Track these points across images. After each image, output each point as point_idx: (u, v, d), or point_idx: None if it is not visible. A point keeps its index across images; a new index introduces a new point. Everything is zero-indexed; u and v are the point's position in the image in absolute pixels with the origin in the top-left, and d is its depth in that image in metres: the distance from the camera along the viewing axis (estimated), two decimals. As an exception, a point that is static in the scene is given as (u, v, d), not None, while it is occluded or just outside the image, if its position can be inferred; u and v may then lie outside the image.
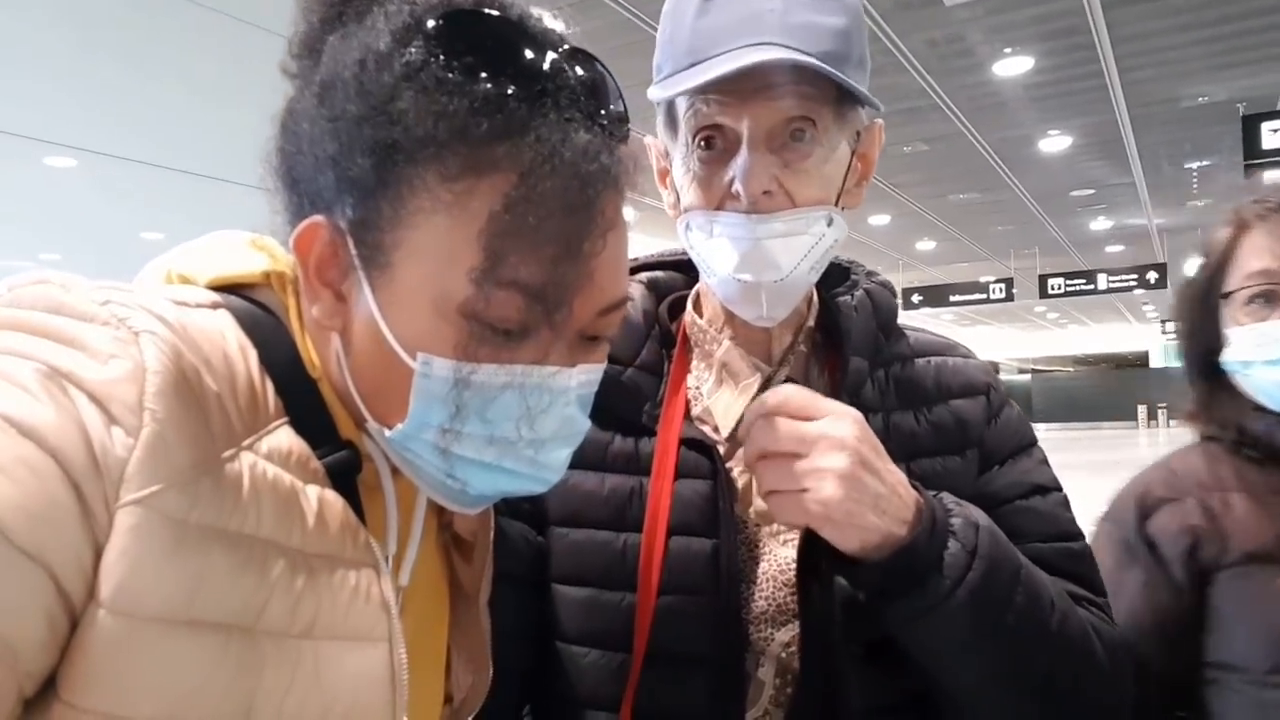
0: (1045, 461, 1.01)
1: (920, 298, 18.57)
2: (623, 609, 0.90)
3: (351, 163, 0.64)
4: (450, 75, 0.63)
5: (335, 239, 0.66)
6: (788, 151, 0.86)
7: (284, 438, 0.64)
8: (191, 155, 5.21)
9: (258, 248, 0.76)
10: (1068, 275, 16.84)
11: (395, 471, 0.73)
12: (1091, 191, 12.97)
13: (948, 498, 0.85)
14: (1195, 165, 11.64)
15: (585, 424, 0.72)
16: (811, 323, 0.99)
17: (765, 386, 0.95)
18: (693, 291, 1.04)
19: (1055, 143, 10.31)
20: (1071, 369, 44.25)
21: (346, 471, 0.68)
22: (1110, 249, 17.73)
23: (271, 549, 0.60)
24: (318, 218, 0.66)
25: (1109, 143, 10.37)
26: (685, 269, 1.06)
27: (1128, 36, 7.33)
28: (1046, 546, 0.94)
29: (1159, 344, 35.09)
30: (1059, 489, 0.99)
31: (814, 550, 0.85)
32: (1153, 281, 15.98)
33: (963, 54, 7.32)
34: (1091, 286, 16.46)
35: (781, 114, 0.85)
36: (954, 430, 0.96)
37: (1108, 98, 8.80)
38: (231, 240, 0.77)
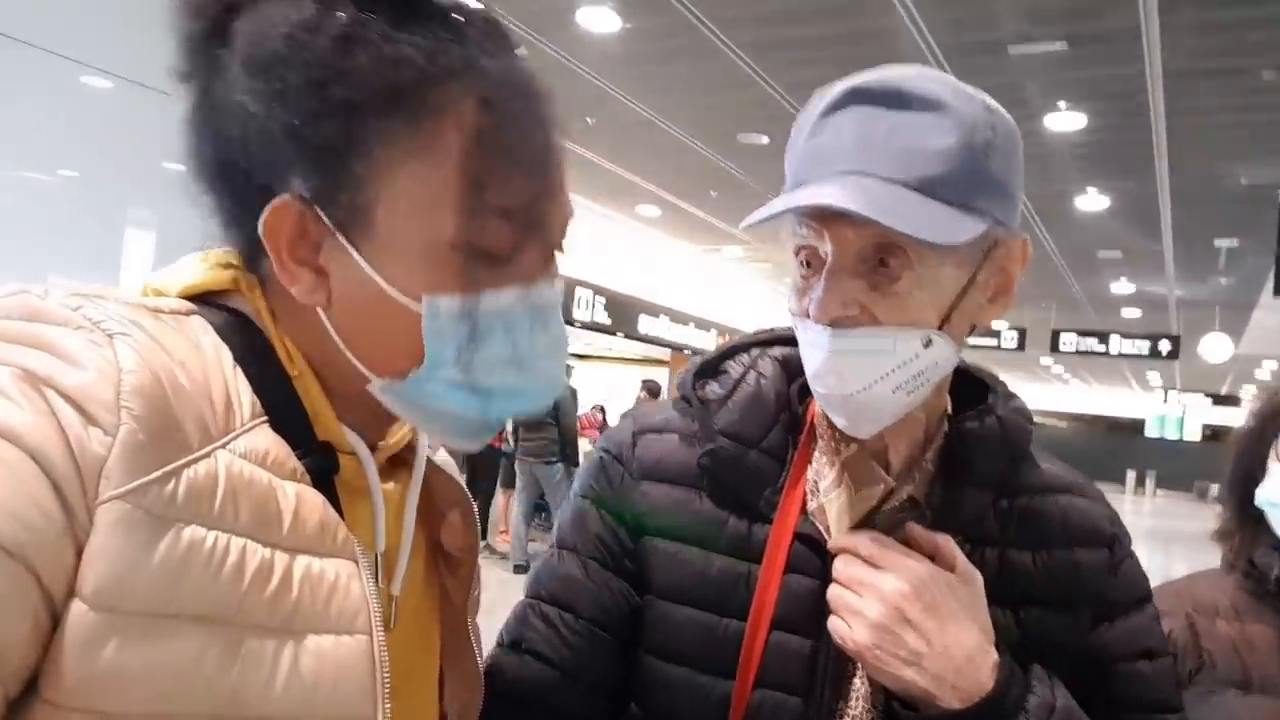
0: (1158, 618, 0.98)
1: (931, 335, 18.45)
2: (715, 694, 0.90)
3: (314, 130, 0.65)
4: (388, 28, 0.65)
5: (304, 213, 0.67)
6: (876, 275, 0.83)
7: (261, 438, 0.65)
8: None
9: (223, 259, 0.76)
10: (1081, 333, 16.76)
11: (382, 473, 0.76)
12: (1119, 254, 12.91)
13: (1039, 673, 0.86)
14: (1225, 244, 11.57)
15: (566, 332, 0.77)
16: (940, 441, 0.95)
17: (886, 499, 0.92)
18: None
19: (1092, 201, 10.24)
20: (1064, 424, 44.40)
21: (323, 472, 0.69)
22: (1126, 313, 17.70)
23: (249, 544, 0.61)
24: (283, 197, 0.67)
25: (1145, 209, 10.31)
26: None
27: (1183, 110, 7.28)
28: (1143, 718, 0.92)
29: (1156, 413, 35.18)
30: (1166, 653, 0.96)
31: None
32: (1165, 353, 15.90)
33: (1017, 103, 7.26)
34: (1104, 348, 16.37)
35: (868, 240, 0.82)
36: (1070, 581, 0.92)
37: (1152, 166, 8.75)
38: (200, 257, 0.77)
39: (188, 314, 0.68)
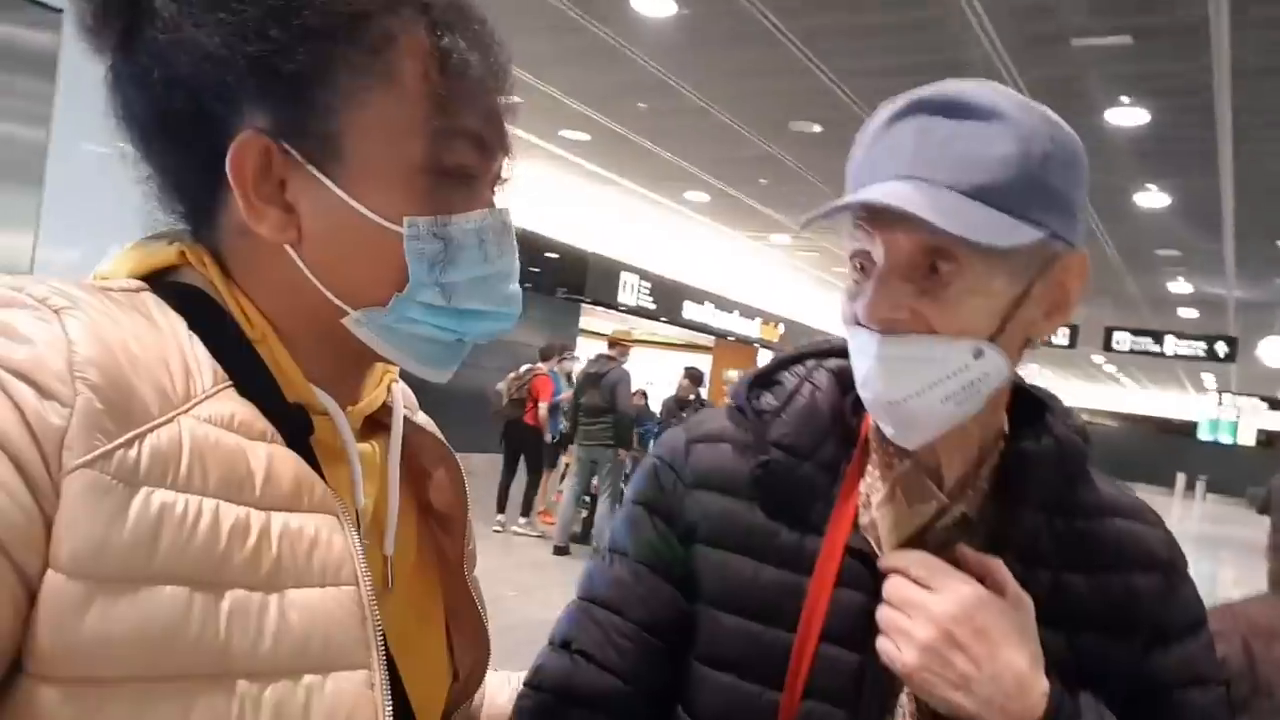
0: (1211, 645, 0.96)
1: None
2: (762, 702, 0.90)
3: (280, 60, 0.65)
4: None
5: (268, 148, 0.68)
6: (927, 280, 0.82)
7: (226, 404, 0.65)
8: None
9: (165, 237, 0.76)
10: (1135, 332, 16.45)
11: (361, 435, 0.77)
12: (1177, 253, 12.66)
13: (1088, 700, 0.84)
14: (1289, 246, 11.32)
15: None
16: (995, 460, 0.93)
17: (939, 516, 0.90)
18: None
19: (1152, 199, 10.04)
20: (1114, 424, 43.78)
21: (298, 432, 0.69)
22: (1183, 312, 17.36)
23: (222, 505, 0.61)
24: (246, 132, 0.67)
25: (1206, 208, 10.09)
26: None
27: (1249, 108, 7.10)
28: None
29: (1209, 416, 34.49)
30: (1220, 681, 0.95)
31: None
32: (1222, 355, 15.56)
33: (1078, 96, 7.11)
34: (1158, 348, 16.06)
35: (919, 243, 0.81)
36: (1124, 606, 0.90)
37: (1214, 164, 8.56)
38: (140, 241, 0.77)
39: (137, 291, 0.68)
